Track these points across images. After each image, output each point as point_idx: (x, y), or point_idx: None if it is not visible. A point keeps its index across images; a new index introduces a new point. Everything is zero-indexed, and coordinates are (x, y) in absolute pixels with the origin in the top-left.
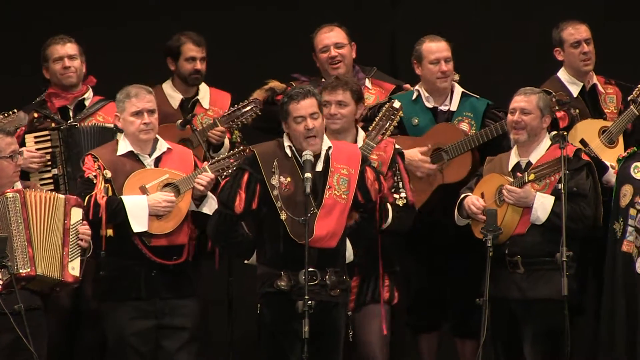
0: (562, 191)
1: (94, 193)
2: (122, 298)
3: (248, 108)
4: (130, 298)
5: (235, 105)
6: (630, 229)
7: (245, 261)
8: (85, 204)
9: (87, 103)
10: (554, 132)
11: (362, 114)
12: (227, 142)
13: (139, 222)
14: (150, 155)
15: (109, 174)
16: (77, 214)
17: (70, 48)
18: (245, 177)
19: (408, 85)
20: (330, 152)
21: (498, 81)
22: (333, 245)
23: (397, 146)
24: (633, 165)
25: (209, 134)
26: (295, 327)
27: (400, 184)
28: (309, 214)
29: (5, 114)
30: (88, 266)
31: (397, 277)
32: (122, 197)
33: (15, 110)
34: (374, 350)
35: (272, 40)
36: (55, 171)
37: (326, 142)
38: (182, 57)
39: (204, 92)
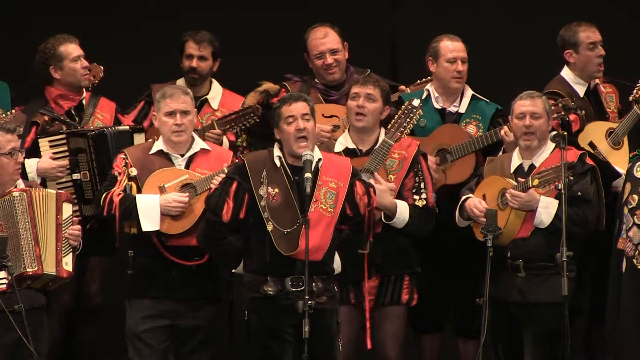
0: (562, 191)
1: (112, 190)
2: (140, 296)
3: (246, 114)
4: (149, 296)
5: (234, 110)
6: (623, 226)
7: (233, 270)
8: (102, 201)
9: (84, 102)
10: (554, 132)
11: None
12: (226, 143)
13: (149, 221)
14: (182, 155)
15: (134, 172)
16: (68, 209)
17: (80, 48)
18: (234, 186)
19: (403, 87)
20: (320, 164)
21: (498, 82)
22: (318, 258)
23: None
24: (637, 164)
25: (206, 135)
26: (283, 330)
27: (422, 185)
28: (295, 226)
29: (3, 114)
30: (101, 266)
31: (418, 278)
32: (136, 195)
33: (13, 111)
34: (388, 351)
35: (272, 41)
36: (77, 176)
37: (317, 154)
38: (184, 54)
39: (216, 92)
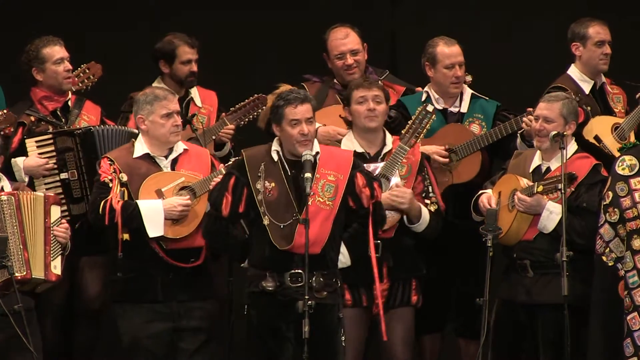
0: (562, 191)
1: (109, 198)
2: (138, 300)
3: (255, 104)
4: (146, 300)
5: (241, 102)
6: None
7: (242, 264)
8: (100, 209)
9: (70, 103)
10: (554, 132)
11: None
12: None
13: (154, 227)
14: (166, 157)
15: (124, 178)
16: (56, 211)
17: (65, 50)
18: (232, 180)
19: (420, 88)
20: (317, 157)
21: (498, 81)
22: (316, 251)
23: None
24: (620, 158)
25: (220, 134)
26: (282, 327)
27: (430, 189)
28: (291, 221)
29: None
30: (98, 267)
31: (423, 280)
32: (138, 201)
33: (5, 110)
34: (400, 354)
35: (272, 41)
36: (64, 175)
37: (315, 148)
38: (178, 60)
39: (194, 91)
